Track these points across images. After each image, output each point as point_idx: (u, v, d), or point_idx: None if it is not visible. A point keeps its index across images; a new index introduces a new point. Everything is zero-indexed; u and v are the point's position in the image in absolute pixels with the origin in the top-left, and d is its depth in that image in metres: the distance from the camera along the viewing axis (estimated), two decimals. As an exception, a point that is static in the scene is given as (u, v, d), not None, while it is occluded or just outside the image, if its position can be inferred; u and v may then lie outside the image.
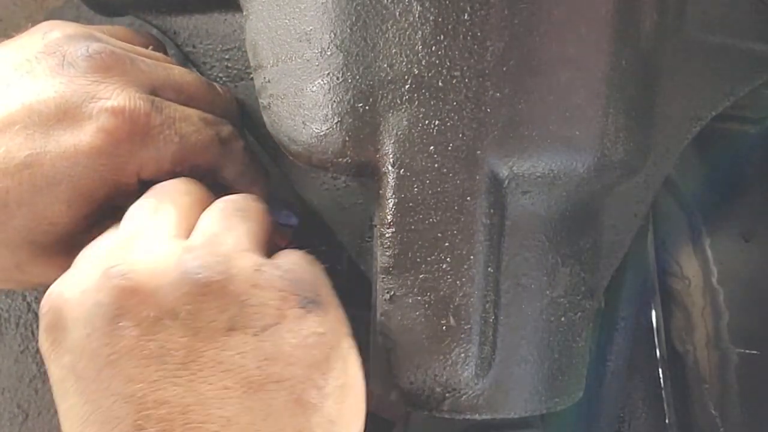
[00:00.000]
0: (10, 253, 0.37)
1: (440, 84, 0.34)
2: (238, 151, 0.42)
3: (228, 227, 0.34)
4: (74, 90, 0.36)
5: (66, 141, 0.36)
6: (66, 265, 0.38)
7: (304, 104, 0.36)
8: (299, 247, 0.36)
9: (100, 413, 0.30)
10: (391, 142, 0.35)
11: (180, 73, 0.41)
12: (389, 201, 0.35)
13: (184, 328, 0.31)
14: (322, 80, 0.35)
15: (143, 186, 0.39)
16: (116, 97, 0.37)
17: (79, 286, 0.32)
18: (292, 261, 0.34)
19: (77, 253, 0.38)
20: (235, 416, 0.30)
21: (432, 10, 0.33)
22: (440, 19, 0.33)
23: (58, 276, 0.38)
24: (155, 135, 0.38)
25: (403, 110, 0.34)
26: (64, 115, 0.36)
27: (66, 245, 0.37)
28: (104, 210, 0.38)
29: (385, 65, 0.34)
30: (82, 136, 0.36)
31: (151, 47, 0.43)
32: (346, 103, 0.35)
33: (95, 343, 0.31)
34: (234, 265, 0.32)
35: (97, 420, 0.30)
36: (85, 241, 0.38)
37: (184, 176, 0.39)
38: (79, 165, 0.36)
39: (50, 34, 0.38)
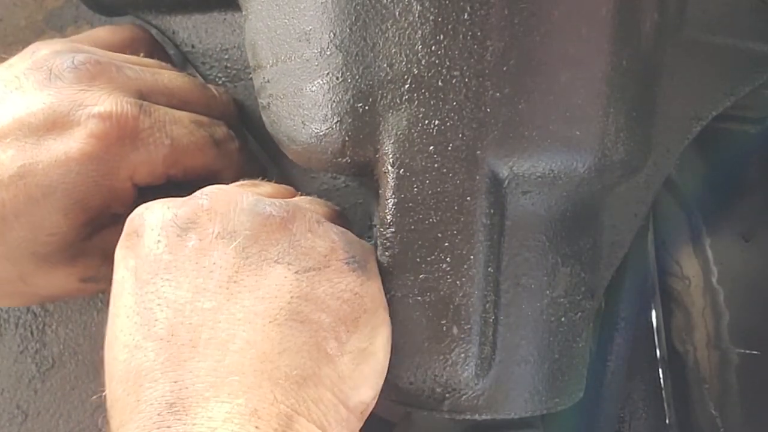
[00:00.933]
0: (12, 265, 0.37)
1: (440, 84, 0.34)
2: (233, 153, 0.42)
3: (309, 201, 0.38)
4: (62, 100, 0.37)
5: (57, 149, 0.36)
6: (70, 273, 0.38)
7: (303, 104, 0.36)
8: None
9: (144, 313, 0.33)
10: (391, 142, 0.35)
11: (169, 78, 0.41)
12: (389, 201, 0.35)
13: (237, 250, 0.33)
14: (322, 80, 0.35)
15: (140, 192, 0.39)
16: (103, 103, 0.37)
17: (165, 202, 0.35)
18: (351, 233, 0.37)
19: (81, 262, 0.38)
20: (255, 342, 0.32)
21: (432, 9, 0.33)
22: (440, 19, 0.33)
23: (64, 285, 0.38)
24: (145, 138, 0.38)
25: (402, 110, 0.34)
26: (53, 124, 0.37)
27: (68, 254, 0.38)
28: (103, 218, 0.38)
29: (385, 65, 0.34)
30: (72, 143, 0.36)
31: (142, 54, 0.43)
32: (345, 103, 0.35)
33: (161, 249, 0.33)
34: (299, 212, 0.35)
35: (139, 320, 0.32)
36: (87, 250, 0.38)
37: (179, 180, 0.40)
38: (71, 172, 0.36)
39: (38, 52, 0.39)
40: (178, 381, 0.31)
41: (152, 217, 0.35)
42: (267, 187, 0.39)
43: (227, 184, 0.42)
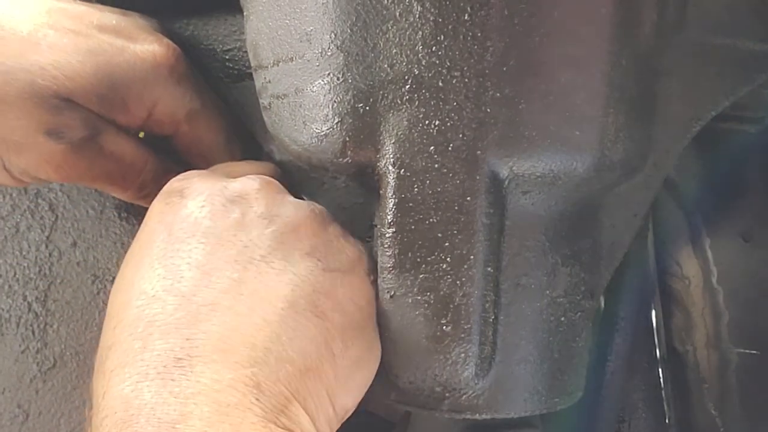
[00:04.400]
0: None
1: (440, 84, 0.34)
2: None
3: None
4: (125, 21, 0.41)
5: (121, 42, 0.40)
6: (42, 113, 0.38)
7: (304, 104, 0.36)
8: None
9: (170, 267, 0.34)
10: (391, 142, 0.35)
11: None
12: (389, 201, 0.35)
13: (275, 234, 0.35)
14: (323, 80, 0.35)
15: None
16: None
17: (217, 174, 0.38)
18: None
19: (64, 113, 0.39)
20: (271, 322, 0.33)
21: (432, 10, 0.33)
22: (440, 19, 0.33)
23: (26, 126, 0.38)
24: (185, 84, 0.41)
25: (403, 110, 0.34)
26: (121, 31, 0.40)
27: (57, 98, 0.38)
28: (107, 104, 0.40)
29: (386, 65, 0.34)
30: (137, 45, 0.40)
31: None
32: (346, 103, 0.35)
33: (203, 214, 0.35)
34: (334, 219, 0.38)
35: (163, 272, 0.34)
36: (73, 111, 0.39)
37: (180, 144, 0.43)
38: (127, 51, 0.40)
39: None
40: (191, 339, 0.32)
41: (202, 183, 0.36)
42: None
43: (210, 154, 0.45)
